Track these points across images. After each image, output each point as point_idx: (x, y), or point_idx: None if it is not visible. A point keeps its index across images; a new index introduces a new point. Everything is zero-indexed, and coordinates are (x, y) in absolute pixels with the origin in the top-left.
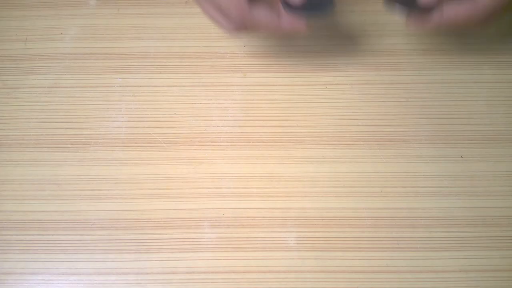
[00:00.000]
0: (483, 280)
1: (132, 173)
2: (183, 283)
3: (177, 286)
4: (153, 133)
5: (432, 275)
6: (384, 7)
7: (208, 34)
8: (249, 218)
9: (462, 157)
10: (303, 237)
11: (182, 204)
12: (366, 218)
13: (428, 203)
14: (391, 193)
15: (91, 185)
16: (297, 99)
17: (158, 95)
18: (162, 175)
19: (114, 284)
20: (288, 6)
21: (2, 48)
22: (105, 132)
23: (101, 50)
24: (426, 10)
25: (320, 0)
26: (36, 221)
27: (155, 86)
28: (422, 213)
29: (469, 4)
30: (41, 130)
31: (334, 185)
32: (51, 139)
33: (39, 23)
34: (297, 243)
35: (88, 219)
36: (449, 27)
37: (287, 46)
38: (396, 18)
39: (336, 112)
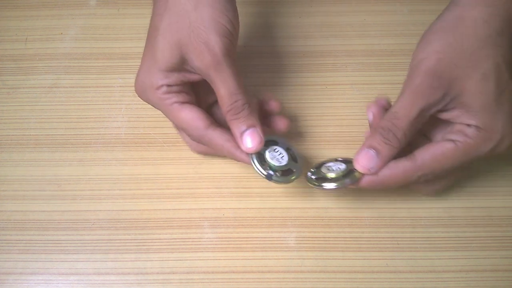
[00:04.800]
0: (483, 280)
1: (132, 173)
2: (183, 283)
3: (177, 286)
4: (153, 133)
5: (432, 275)
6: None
7: None
8: (249, 218)
9: None
10: (303, 237)
11: (182, 204)
12: (366, 218)
13: (428, 203)
14: (391, 193)
15: (91, 185)
16: (298, 99)
17: None
18: (162, 175)
19: (114, 284)
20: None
21: (2, 48)
22: (105, 132)
23: (101, 50)
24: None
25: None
26: (36, 221)
27: None
28: (422, 213)
29: (407, 162)
30: (41, 130)
31: None
32: (51, 139)
33: (39, 23)
34: (297, 243)
35: (88, 219)
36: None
37: (287, 46)
38: (396, 18)
39: (336, 112)
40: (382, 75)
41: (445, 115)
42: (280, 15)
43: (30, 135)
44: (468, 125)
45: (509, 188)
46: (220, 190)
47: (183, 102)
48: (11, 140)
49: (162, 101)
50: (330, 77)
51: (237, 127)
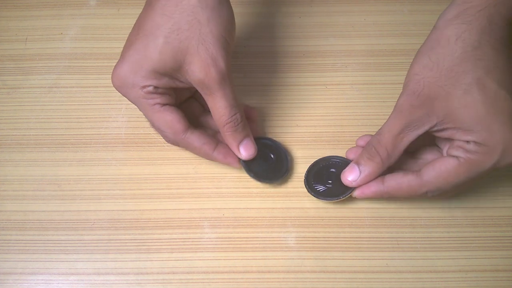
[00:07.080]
0: (483, 280)
1: (132, 173)
2: (183, 283)
3: (177, 286)
4: (153, 133)
5: (432, 275)
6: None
7: None
8: (249, 218)
9: None
10: (303, 237)
11: (182, 204)
12: (366, 218)
13: (428, 203)
14: None
15: (91, 185)
16: (297, 99)
17: None
18: (162, 175)
19: (114, 284)
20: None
21: (2, 48)
22: (105, 132)
23: (101, 50)
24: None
25: (274, 173)
26: (36, 221)
27: None
28: (422, 213)
29: (413, 177)
30: (41, 130)
31: None
32: (51, 139)
33: (39, 23)
34: (297, 243)
35: (88, 219)
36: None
37: (287, 46)
38: (396, 18)
39: (336, 112)
40: (382, 75)
41: (443, 134)
42: (280, 15)
43: (30, 135)
44: (467, 141)
45: (509, 188)
46: (220, 190)
47: (164, 104)
48: (11, 140)
49: (143, 100)
50: (330, 77)
51: (234, 139)
